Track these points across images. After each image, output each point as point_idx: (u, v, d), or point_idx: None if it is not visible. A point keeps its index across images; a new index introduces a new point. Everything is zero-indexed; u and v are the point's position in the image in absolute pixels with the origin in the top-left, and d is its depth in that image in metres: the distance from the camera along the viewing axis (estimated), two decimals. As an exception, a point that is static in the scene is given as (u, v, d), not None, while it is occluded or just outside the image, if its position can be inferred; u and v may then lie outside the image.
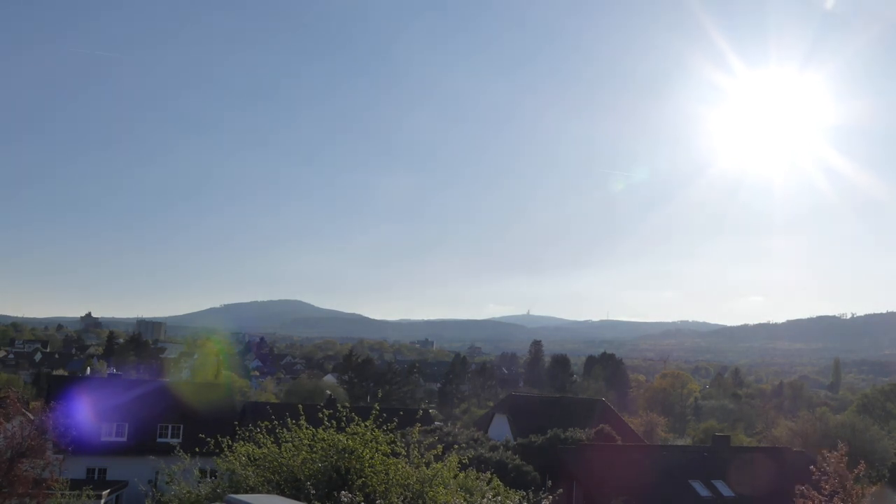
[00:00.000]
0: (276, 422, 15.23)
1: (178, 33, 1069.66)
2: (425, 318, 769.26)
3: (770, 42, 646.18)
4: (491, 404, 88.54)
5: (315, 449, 13.45)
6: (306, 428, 14.10)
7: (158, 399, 49.31)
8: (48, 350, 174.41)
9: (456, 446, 29.45)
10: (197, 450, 14.81)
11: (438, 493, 12.98)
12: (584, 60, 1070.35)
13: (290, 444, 13.75)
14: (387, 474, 12.95)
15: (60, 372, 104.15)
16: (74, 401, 43.11)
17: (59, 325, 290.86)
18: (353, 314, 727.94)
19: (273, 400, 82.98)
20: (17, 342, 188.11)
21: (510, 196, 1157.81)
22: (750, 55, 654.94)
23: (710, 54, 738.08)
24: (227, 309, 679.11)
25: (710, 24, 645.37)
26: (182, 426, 45.05)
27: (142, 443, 44.82)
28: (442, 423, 58.10)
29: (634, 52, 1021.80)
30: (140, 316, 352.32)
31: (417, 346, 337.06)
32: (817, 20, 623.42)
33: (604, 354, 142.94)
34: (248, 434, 14.95)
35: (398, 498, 12.71)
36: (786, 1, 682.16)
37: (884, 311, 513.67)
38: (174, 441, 41.93)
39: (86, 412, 42.71)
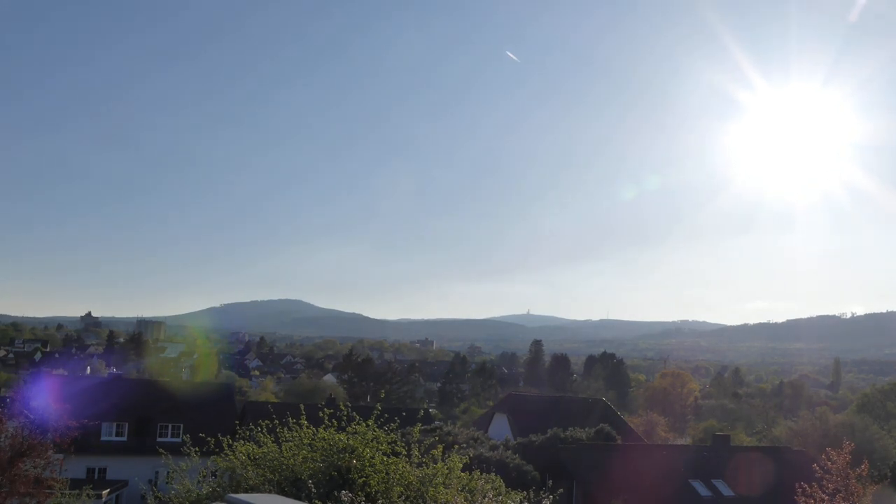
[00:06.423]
0: (276, 421, 15.21)
1: (182, 30, 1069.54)
2: (425, 318, 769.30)
3: (791, 57, 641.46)
4: (491, 404, 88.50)
5: (315, 448, 13.43)
6: (307, 427, 14.08)
7: (157, 398, 49.25)
8: (48, 349, 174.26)
9: (456, 446, 29.45)
10: (197, 449, 14.78)
11: (439, 492, 12.96)
12: (598, 70, 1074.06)
13: (291, 443, 13.73)
14: (387, 473, 12.93)
15: (61, 371, 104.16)
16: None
17: (59, 324, 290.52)
18: (353, 314, 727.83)
19: (273, 399, 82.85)
20: (17, 342, 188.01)
21: (513, 197, 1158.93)
22: (770, 70, 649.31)
23: (729, 69, 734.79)
24: (228, 309, 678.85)
25: (729, 39, 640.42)
26: (182, 425, 44.98)
27: (142, 442, 44.82)
28: (442, 423, 58.09)
29: (650, 65, 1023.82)
30: (140, 316, 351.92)
31: (417, 345, 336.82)
32: (840, 34, 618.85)
33: (604, 354, 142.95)
34: (248, 433, 14.93)
35: (399, 497, 12.70)
36: (808, 14, 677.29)
37: (884, 311, 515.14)
38: (174, 440, 41.93)
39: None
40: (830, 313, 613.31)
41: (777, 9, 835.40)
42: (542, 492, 17.19)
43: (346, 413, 14.73)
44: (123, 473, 42.57)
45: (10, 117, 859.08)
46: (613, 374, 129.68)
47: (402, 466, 13.20)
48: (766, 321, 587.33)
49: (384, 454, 13.22)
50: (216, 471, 14.17)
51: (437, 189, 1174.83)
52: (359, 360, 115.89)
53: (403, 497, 12.80)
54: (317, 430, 13.83)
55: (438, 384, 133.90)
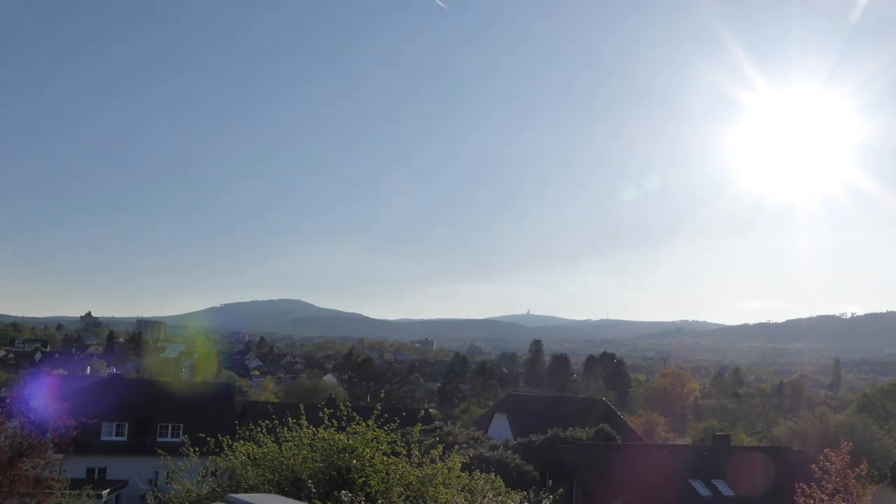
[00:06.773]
0: (276, 421, 15.20)
1: (185, 38, 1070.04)
2: (425, 318, 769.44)
3: (792, 58, 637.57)
4: (491, 404, 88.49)
5: (315, 448, 13.42)
6: (307, 427, 14.07)
7: (157, 398, 49.21)
8: (48, 349, 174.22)
9: (456, 446, 29.42)
10: (197, 449, 14.77)
11: (439, 492, 12.95)
12: (600, 73, 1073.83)
13: (291, 443, 13.72)
14: (387, 473, 12.92)
15: (61, 371, 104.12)
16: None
17: (59, 324, 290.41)
18: (353, 314, 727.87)
19: (273, 399, 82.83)
20: (17, 342, 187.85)
21: (513, 197, 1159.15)
22: (771, 72, 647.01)
23: (730, 70, 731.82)
24: (228, 309, 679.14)
25: (730, 41, 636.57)
26: (182, 425, 44.97)
27: (142, 442, 44.79)
28: (442, 423, 58.07)
29: (652, 67, 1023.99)
30: (140, 316, 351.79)
31: (417, 345, 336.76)
32: (842, 35, 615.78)
33: (604, 354, 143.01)
34: (248, 433, 14.92)
35: (399, 497, 12.69)
36: (809, 15, 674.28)
37: (884, 311, 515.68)
38: (174, 440, 41.90)
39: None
40: (830, 313, 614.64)
41: (778, 10, 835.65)
42: (542, 492, 17.19)
43: (346, 413, 14.72)
44: (123, 473, 42.56)
45: (11, 118, 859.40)
46: (613, 374, 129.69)
47: (402, 466, 13.19)
48: (766, 321, 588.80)
49: (384, 454, 13.21)
50: (216, 471, 14.16)
51: (438, 188, 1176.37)
52: (359, 360, 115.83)
53: (403, 497, 12.79)
54: (317, 430, 13.82)
55: (438, 384, 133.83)
